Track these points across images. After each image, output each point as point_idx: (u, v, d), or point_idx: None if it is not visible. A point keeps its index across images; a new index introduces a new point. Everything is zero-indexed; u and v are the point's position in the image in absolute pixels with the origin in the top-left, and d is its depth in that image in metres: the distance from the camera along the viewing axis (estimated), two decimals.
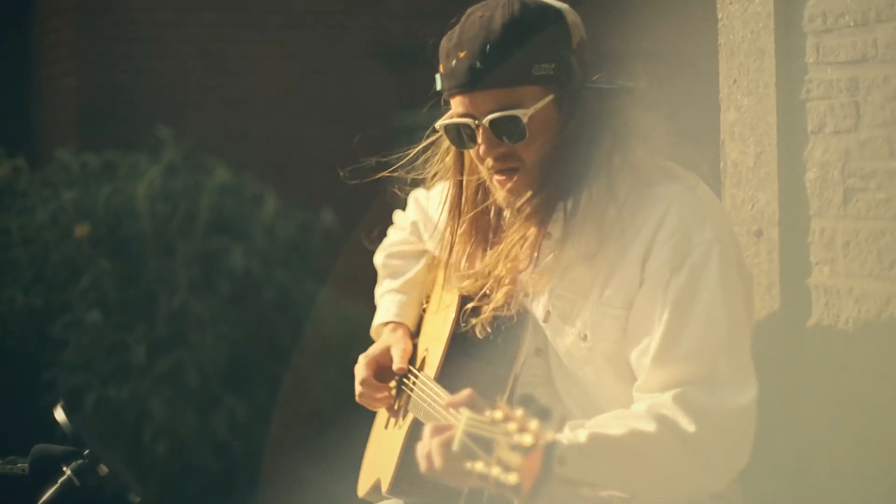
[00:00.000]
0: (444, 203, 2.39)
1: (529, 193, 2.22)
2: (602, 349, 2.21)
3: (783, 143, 2.55)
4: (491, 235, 2.36)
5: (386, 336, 2.61)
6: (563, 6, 2.24)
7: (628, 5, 2.30)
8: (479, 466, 1.57)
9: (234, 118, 7.41)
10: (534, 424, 1.53)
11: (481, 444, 1.61)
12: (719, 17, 2.69)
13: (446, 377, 2.30)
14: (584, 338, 2.21)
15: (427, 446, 1.82)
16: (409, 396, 2.49)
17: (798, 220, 2.54)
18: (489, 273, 2.30)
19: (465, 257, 2.37)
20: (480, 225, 2.36)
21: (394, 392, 2.67)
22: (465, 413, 1.70)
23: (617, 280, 2.18)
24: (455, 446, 1.68)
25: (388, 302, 2.69)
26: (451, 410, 1.85)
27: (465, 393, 1.83)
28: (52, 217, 5.53)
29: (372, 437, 2.83)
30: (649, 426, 2.03)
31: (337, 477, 2.82)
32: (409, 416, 2.41)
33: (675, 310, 2.11)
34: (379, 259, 2.77)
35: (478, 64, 2.15)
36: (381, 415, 2.79)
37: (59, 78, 7.56)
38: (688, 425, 2.03)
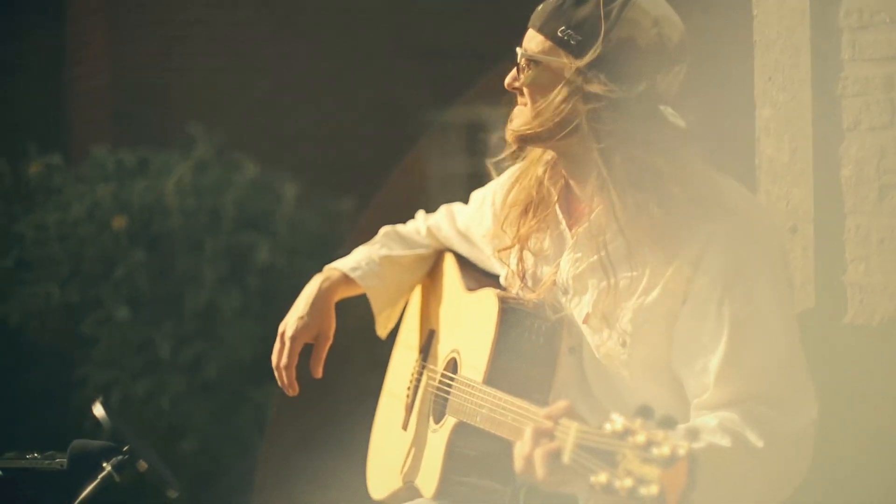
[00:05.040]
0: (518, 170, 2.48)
1: (535, 139, 2.30)
2: (641, 355, 2.22)
3: (818, 140, 2.54)
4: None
5: (317, 299, 2.67)
6: (651, 11, 2.22)
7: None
8: (604, 478, 1.59)
9: (265, 115, 7.44)
10: (662, 435, 1.54)
11: (600, 456, 1.62)
12: (755, 13, 2.68)
13: (492, 380, 2.30)
14: (624, 343, 2.22)
15: (527, 449, 1.81)
16: (441, 397, 2.48)
17: (833, 216, 2.54)
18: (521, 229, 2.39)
19: (511, 217, 2.44)
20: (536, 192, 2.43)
21: (409, 391, 2.68)
22: (574, 425, 1.71)
23: (660, 288, 2.19)
24: (566, 459, 1.70)
25: (357, 260, 2.76)
26: (552, 422, 1.80)
27: (563, 404, 1.81)
28: (87, 212, 5.58)
29: (380, 436, 2.81)
30: (724, 440, 2.04)
31: (363, 475, 2.83)
32: (450, 420, 2.39)
33: (734, 329, 2.13)
34: (382, 230, 2.84)
35: (541, 6, 2.29)
36: (388, 413, 2.78)
37: (92, 76, 7.61)
38: (757, 440, 2.05)
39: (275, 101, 7.50)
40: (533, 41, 2.27)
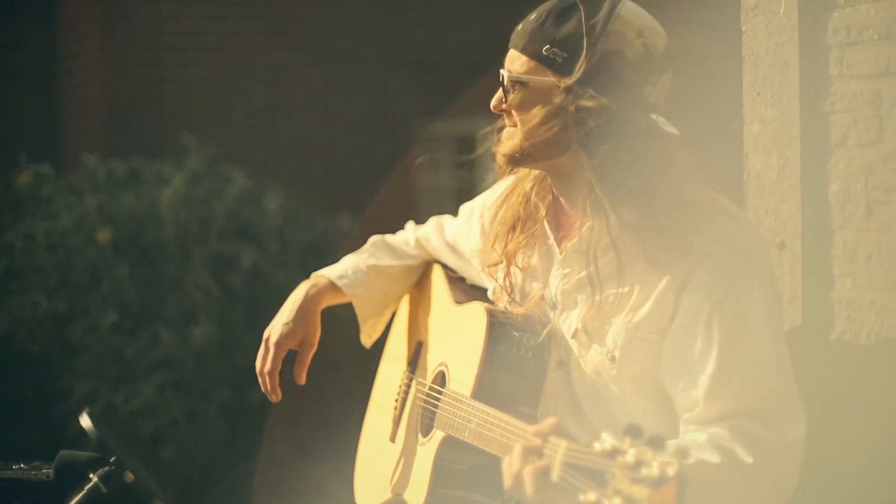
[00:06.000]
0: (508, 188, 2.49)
1: (527, 160, 2.30)
2: (629, 370, 2.22)
3: (806, 156, 2.55)
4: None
5: (303, 306, 2.66)
6: (635, 22, 2.22)
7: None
8: (593, 498, 1.59)
9: (259, 125, 7.45)
10: (651, 455, 1.55)
11: (589, 475, 1.63)
12: (743, 29, 2.69)
13: (480, 394, 2.30)
14: (613, 359, 2.22)
15: (516, 467, 1.81)
16: (429, 411, 2.48)
17: (821, 232, 2.54)
18: (512, 244, 2.40)
19: (500, 234, 2.44)
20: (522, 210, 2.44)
21: (396, 404, 2.67)
22: (563, 443, 1.72)
23: (649, 305, 2.19)
24: (555, 477, 1.70)
25: (345, 268, 2.76)
26: (541, 440, 1.81)
27: (552, 422, 1.82)
28: (76, 222, 5.57)
29: (368, 448, 2.81)
30: (713, 457, 2.05)
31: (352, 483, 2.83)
32: (438, 434, 2.39)
33: (723, 345, 2.13)
34: (371, 240, 2.84)
35: (520, 26, 2.28)
36: (376, 424, 2.78)
37: (85, 85, 7.62)
38: (746, 456, 2.06)
39: (268, 112, 7.50)
40: (517, 62, 2.26)
